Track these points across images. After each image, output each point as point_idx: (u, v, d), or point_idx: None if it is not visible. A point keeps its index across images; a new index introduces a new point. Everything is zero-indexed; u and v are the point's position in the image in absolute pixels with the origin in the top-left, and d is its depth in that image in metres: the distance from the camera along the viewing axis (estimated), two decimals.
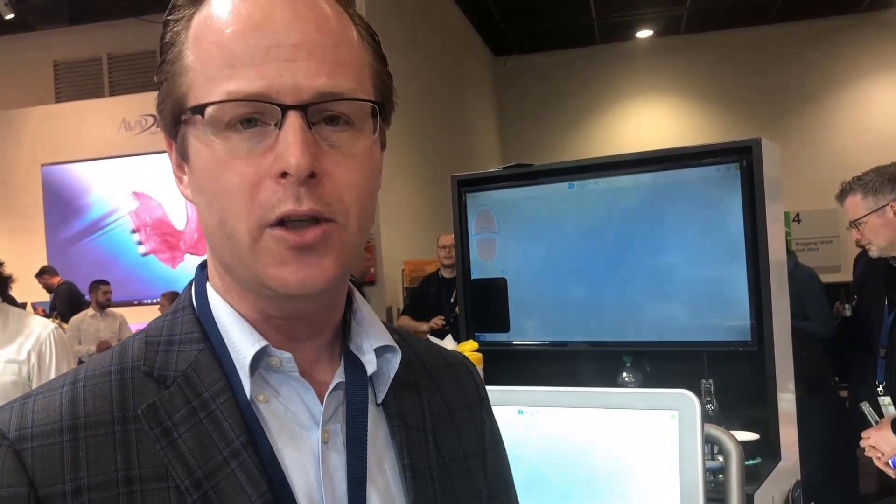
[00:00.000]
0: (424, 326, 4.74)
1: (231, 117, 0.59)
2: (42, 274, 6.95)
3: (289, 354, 0.63)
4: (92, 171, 8.15)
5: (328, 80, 0.59)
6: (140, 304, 7.63)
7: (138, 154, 7.91)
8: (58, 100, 8.81)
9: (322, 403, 0.64)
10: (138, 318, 6.51)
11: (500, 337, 2.03)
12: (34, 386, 2.17)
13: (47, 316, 5.80)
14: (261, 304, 0.64)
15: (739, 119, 9.65)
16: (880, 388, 2.35)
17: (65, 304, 6.50)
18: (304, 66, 0.59)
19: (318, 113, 0.60)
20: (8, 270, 2.33)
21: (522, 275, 1.99)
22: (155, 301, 7.44)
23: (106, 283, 6.01)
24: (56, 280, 6.92)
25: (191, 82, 0.61)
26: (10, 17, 6.07)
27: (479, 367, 1.76)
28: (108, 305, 5.99)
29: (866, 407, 2.37)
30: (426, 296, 4.72)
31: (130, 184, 8.00)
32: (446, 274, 4.60)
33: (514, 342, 2.01)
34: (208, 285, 0.66)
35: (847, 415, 2.75)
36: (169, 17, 0.64)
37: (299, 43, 0.59)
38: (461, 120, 9.75)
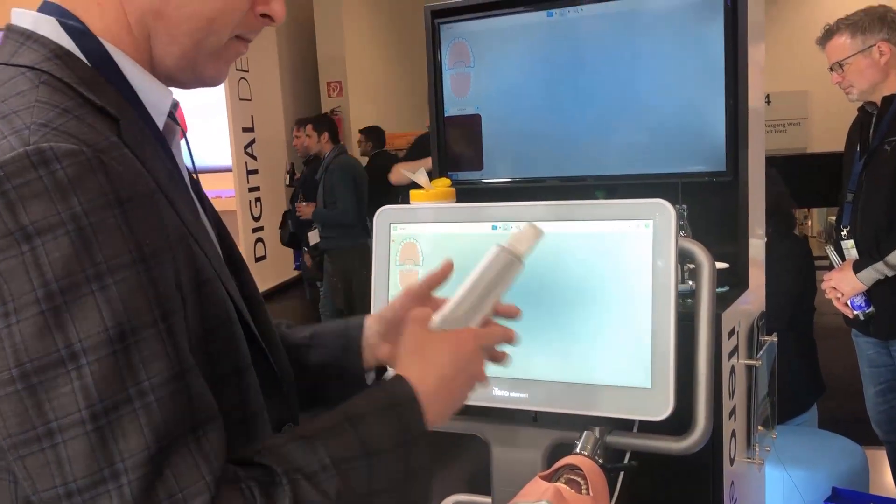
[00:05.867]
0: None
1: None
2: None
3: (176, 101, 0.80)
4: None
5: None
6: None
7: None
8: None
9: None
10: None
11: (474, 175, 2.01)
12: None
13: None
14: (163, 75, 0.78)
15: None
16: (844, 232, 2.39)
17: None
18: None
19: None
20: None
21: (497, 110, 1.95)
22: None
23: None
24: None
25: None
26: None
27: (453, 202, 1.74)
28: None
29: (830, 250, 2.43)
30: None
31: None
32: None
33: (488, 180, 1.99)
34: (106, 43, 0.73)
35: (812, 261, 2.82)
36: None
37: None
38: None
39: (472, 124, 1.98)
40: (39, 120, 0.63)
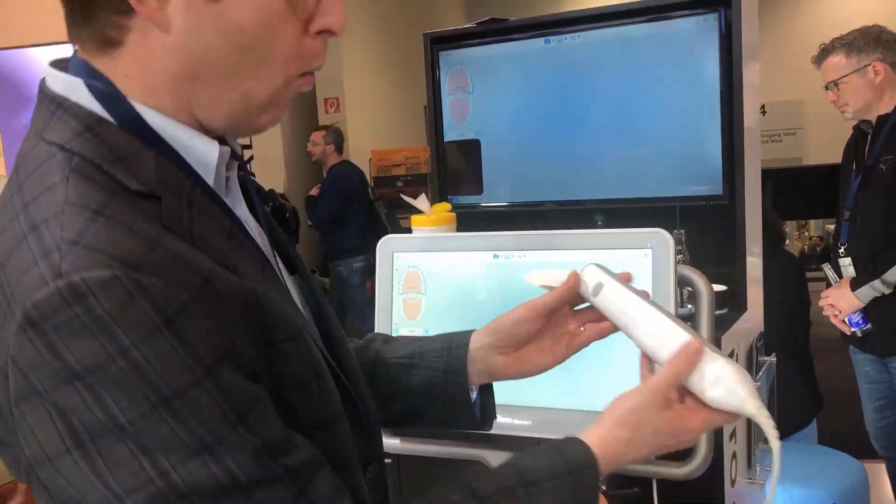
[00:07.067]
0: None
1: None
2: None
3: (228, 148, 0.72)
4: (47, 57, 7.83)
5: None
6: None
7: None
8: None
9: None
10: None
11: (473, 199, 2.03)
12: None
13: None
14: (207, 126, 0.70)
15: None
16: (842, 250, 2.41)
17: None
18: None
19: None
20: None
21: (496, 135, 1.97)
22: None
23: None
24: None
25: None
26: None
27: (453, 227, 1.76)
28: None
29: (827, 268, 2.45)
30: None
31: None
32: None
33: (488, 204, 2.01)
34: (135, 104, 0.67)
35: (803, 276, 2.84)
36: None
37: None
38: None
39: (471, 149, 2.00)
40: (69, 235, 0.59)
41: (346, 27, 0.73)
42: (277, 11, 0.65)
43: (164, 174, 0.65)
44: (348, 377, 0.79)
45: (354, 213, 5.23)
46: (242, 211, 0.75)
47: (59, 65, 0.70)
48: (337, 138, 5.48)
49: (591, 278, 0.89)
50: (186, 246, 0.62)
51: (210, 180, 0.69)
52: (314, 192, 5.39)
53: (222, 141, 0.72)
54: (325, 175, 5.76)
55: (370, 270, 5.80)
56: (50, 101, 0.67)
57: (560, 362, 0.97)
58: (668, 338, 0.82)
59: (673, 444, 0.80)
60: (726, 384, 0.78)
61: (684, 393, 0.82)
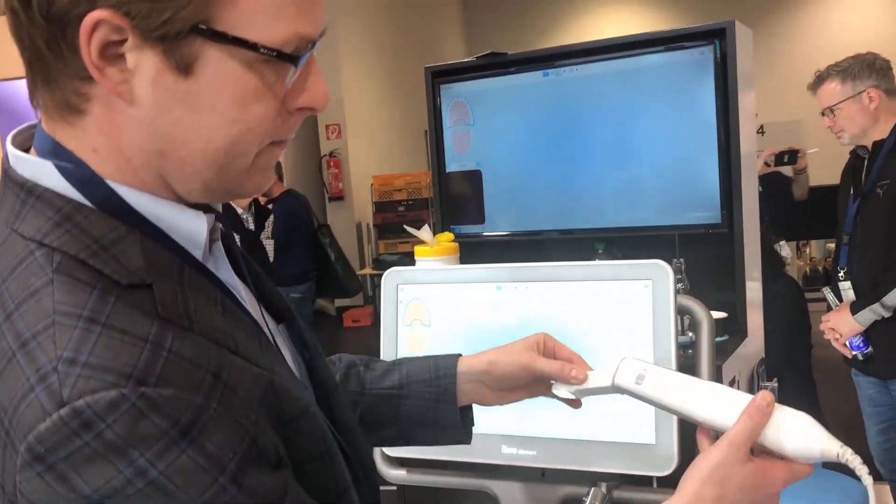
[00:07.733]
0: None
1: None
2: None
3: (213, 215, 0.68)
4: None
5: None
6: None
7: None
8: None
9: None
10: None
11: (476, 229, 2.06)
12: None
13: None
14: (190, 196, 0.66)
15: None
16: (841, 274, 2.43)
17: None
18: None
19: None
20: None
21: (496, 166, 2.00)
22: None
23: None
24: None
25: (241, 9, 0.58)
26: None
27: (456, 256, 1.78)
28: None
29: (827, 291, 2.48)
30: None
31: None
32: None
33: (490, 233, 2.04)
34: (112, 184, 0.62)
35: (804, 299, 2.86)
36: None
37: None
38: (424, 20, 9.51)
39: (473, 180, 2.03)
40: (65, 353, 0.53)
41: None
42: (253, 90, 0.60)
43: (151, 258, 0.61)
44: (343, 433, 0.75)
45: (298, 241, 5.33)
46: (227, 273, 0.70)
47: (20, 141, 0.66)
48: (278, 168, 5.56)
49: (630, 371, 0.89)
50: (189, 337, 0.57)
51: (198, 255, 0.65)
52: (262, 200, 5.45)
53: (206, 208, 0.68)
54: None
55: (310, 302, 5.81)
56: (19, 188, 0.62)
57: (535, 396, 1.02)
58: (733, 402, 0.81)
59: (758, 499, 0.78)
60: (803, 431, 0.77)
61: (757, 450, 0.80)
